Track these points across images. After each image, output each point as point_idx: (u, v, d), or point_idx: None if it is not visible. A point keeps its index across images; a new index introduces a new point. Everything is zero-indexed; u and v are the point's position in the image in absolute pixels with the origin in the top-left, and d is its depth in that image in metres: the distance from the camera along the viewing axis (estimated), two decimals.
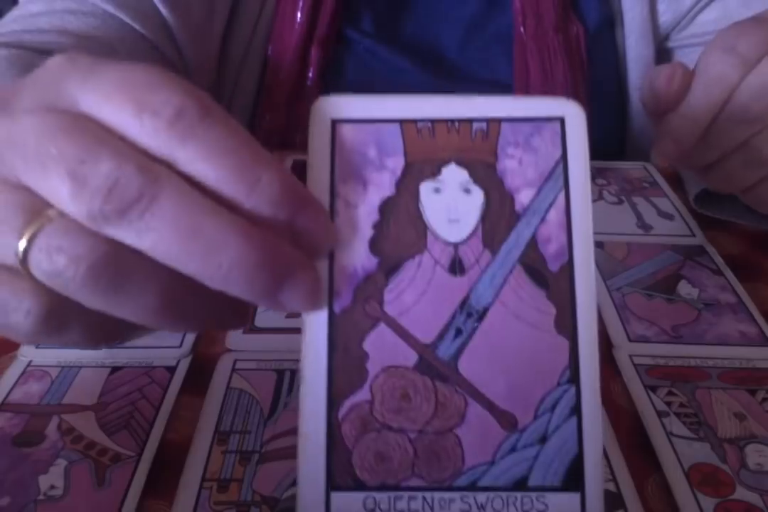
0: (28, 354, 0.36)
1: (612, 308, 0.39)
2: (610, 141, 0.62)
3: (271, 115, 0.57)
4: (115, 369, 0.35)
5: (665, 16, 0.59)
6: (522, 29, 0.57)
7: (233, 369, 0.34)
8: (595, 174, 0.54)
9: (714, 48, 0.32)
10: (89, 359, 0.35)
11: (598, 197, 0.50)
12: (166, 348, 0.36)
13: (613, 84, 0.61)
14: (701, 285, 0.41)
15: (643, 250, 0.44)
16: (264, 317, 0.38)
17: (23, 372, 0.34)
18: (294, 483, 0.28)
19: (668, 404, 0.32)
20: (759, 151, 0.32)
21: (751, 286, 0.41)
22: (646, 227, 0.47)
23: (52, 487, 0.28)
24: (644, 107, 0.35)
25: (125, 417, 0.32)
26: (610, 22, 0.59)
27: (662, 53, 0.61)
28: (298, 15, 0.55)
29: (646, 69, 0.59)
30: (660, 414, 0.32)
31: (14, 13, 0.50)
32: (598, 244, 0.44)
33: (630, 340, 0.36)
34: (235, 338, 0.37)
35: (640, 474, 0.29)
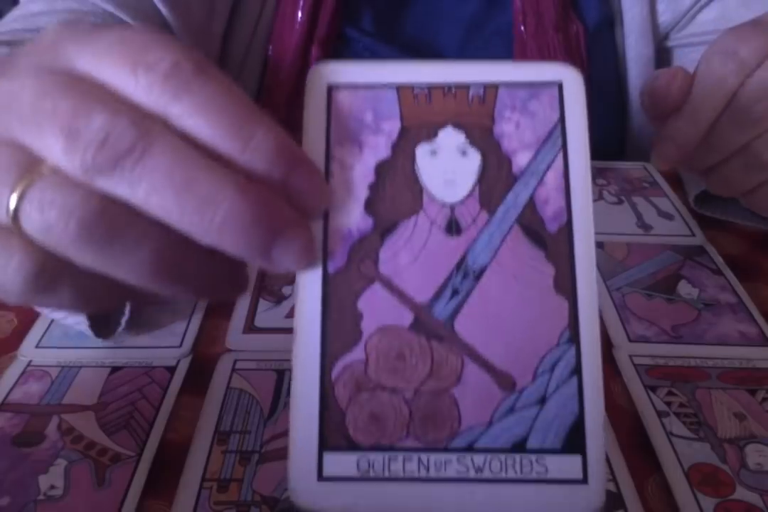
0: (28, 354, 0.36)
1: (612, 308, 0.39)
2: (610, 141, 0.62)
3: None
4: (115, 369, 0.35)
5: (665, 16, 0.59)
6: (522, 28, 0.56)
7: (233, 369, 0.34)
8: (595, 174, 0.54)
9: (714, 52, 0.32)
10: (89, 359, 0.35)
11: (598, 197, 0.50)
12: (166, 348, 0.36)
13: (613, 83, 0.61)
14: (701, 285, 0.41)
15: (643, 250, 0.44)
16: (264, 317, 0.38)
17: (23, 372, 0.34)
18: None
19: (668, 404, 0.32)
20: (759, 155, 0.32)
21: (751, 286, 0.41)
22: (646, 227, 0.47)
23: (52, 487, 0.28)
24: (644, 111, 0.35)
25: (125, 417, 0.32)
26: (610, 22, 0.59)
27: (662, 52, 0.61)
28: (299, 14, 0.55)
29: (646, 68, 0.59)
30: (660, 414, 0.32)
31: (15, 13, 0.50)
32: (599, 245, 0.44)
33: (630, 340, 0.36)
34: (235, 338, 0.37)
35: (640, 474, 0.29)
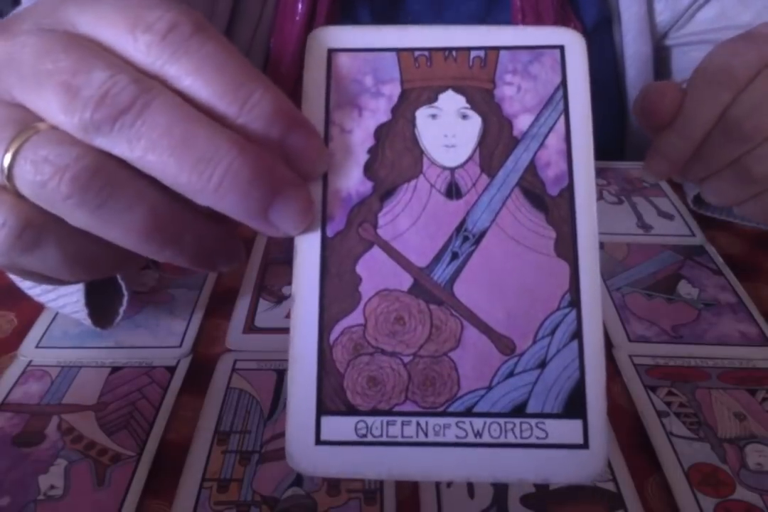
0: (28, 354, 0.36)
1: (612, 308, 0.39)
2: (610, 141, 0.62)
3: None
4: (115, 369, 0.35)
5: (663, 15, 0.59)
6: None
7: (233, 369, 0.34)
8: (596, 174, 0.53)
9: (706, 66, 0.32)
10: (89, 359, 0.35)
11: (598, 197, 0.50)
12: (166, 348, 0.36)
13: (612, 83, 0.61)
14: (701, 285, 0.41)
15: (643, 250, 0.44)
16: (264, 317, 0.38)
17: (23, 372, 0.34)
18: (294, 484, 0.28)
19: (668, 404, 0.32)
20: (750, 169, 0.32)
21: (751, 286, 0.41)
22: (646, 227, 0.47)
23: (52, 487, 0.28)
24: (638, 123, 0.35)
25: (125, 417, 0.32)
26: (608, 21, 0.59)
27: (661, 51, 0.61)
28: (299, 7, 0.55)
29: (644, 67, 0.59)
30: (660, 414, 0.32)
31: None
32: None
33: (630, 340, 0.36)
34: (235, 338, 0.37)
35: (640, 474, 0.29)
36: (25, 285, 0.34)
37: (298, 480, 0.29)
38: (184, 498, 0.28)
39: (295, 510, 0.27)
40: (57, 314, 0.38)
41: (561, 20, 0.57)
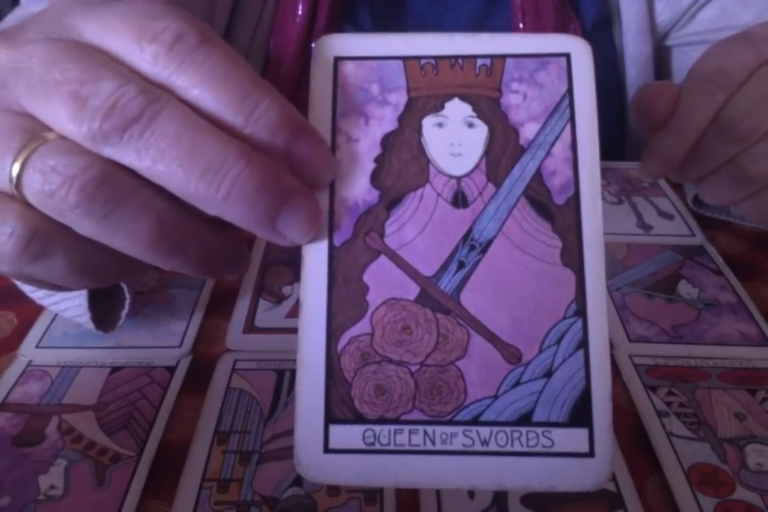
0: (28, 354, 0.36)
1: (612, 308, 0.39)
2: (610, 141, 0.62)
3: None
4: (115, 369, 0.35)
5: (664, 15, 0.59)
6: (521, 26, 0.56)
7: (233, 369, 0.34)
8: None
9: (701, 67, 0.32)
10: (89, 359, 0.35)
11: None
12: (166, 348, 0.36)
13: (612, 83, 0.61)
14: (701, 285, 0.41)
15: (643, 250, 0.44)
16: (264, 317, 0.38)
17: (23, 372, 0.35)
18: (294, 483, 0.28)
19: (668, 404, 0.32)
20: (745, 169, 0.32)
21: (751, 286, 0.41)
22: (646, 227, 0.47)
23: (52, 487, 0.28)
24: (634, 123, 0.35)
25: (125, 417, 0.32)
26: (608, 20, 0.59)
27: (661, 51, 0.61)
28: (299, 8, 0.55)
29: (644, 67, 0.59)
30: (660, 414, 0.32)
31: (17, 13, 0.50)
32: None
33: (630, 340, 0.37)
34: (235, 338, 0.37)
35: (640, 474, 0.29)
36: (28, 288, 0.34)
37: (298, 480, 0.29)
38: (184, 498, 0.28)
39: (295, 510, 0.27)
40: (57, 314, 0.38)
41: (561, 20, 0.57)
